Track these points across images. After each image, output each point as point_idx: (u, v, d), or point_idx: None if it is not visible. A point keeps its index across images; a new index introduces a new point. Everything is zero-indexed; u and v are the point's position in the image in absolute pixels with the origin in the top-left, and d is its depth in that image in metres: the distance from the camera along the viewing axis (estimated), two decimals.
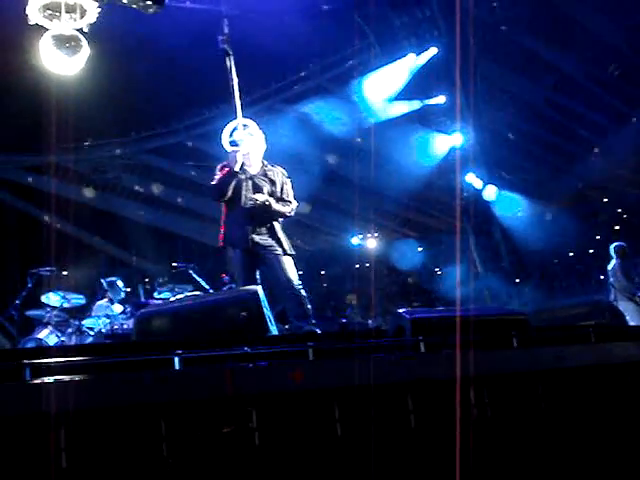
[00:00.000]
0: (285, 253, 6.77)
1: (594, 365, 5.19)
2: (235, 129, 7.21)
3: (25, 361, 3.71)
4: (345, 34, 14.30)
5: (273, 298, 6.95)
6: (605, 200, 19.24)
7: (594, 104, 16.14)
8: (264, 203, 6.74)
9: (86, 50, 9.46)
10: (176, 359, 4.02)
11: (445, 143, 16.61)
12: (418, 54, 15.28)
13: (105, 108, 14.19)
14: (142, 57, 13.65)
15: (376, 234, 20.45)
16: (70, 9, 8.98)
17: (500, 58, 15.53)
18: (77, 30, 9.28)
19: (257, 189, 6.84)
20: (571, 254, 19.15)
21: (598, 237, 17.33)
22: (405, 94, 16.18)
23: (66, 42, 9.24)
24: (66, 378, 3.59)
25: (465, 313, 5.08)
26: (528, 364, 4.95)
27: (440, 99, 15.93)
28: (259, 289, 5.63)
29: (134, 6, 10.10)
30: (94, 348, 5.58)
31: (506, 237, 17.60)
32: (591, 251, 17.79)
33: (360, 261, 19.13)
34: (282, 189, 7.00)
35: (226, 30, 7.99)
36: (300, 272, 6.99)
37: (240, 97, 7.45)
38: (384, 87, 15.92)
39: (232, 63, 7.57)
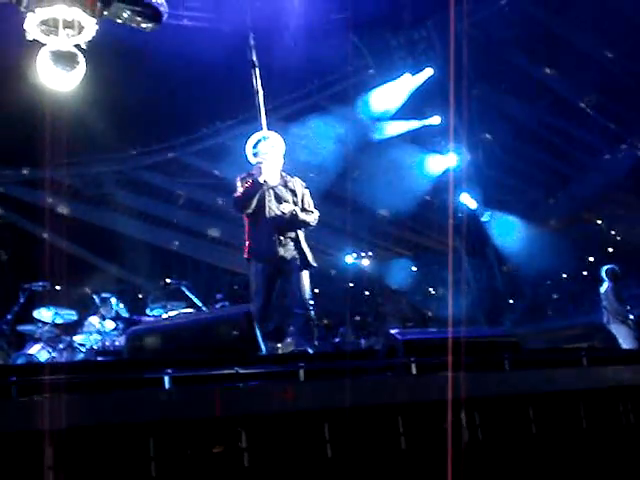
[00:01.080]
0: (306, 266, 6.76)
1: (586, 389, 5.18)
2: (259, 141, 7.18)
3: (13, 378, 3.68)
4: (342, 54, 14.35)
5: (283, 311, 6.96)
6: (599, 222, 19.29)
7: (588, 126, 16.22)
8: (291, 213, 6.74)
9: (83, 66, 9.48)
10: (166, 378, 4.00)
11: (440, 163, 16.66)
12: (414, 74, 15.35)
13: (101, 124, 14.21)
14: (139, 73, 13.67)
15: (370, 253, 20.45)
16: (68, 25, 9.00)
17: (495, 79, 15.61)
18: (75, 46, 9.31)
19: (280, 200, 6.82)
20: (564, 275, 19.17)
21: (591, 259, 17.36)
22: (401, 114, 16.24)
23: (63, 58, 9.26)
24: (54, 396, 3.57)
25: (457, 334, 5.07)
26: (519, 387, 4.94)
27: (435, 119, 16.00)
28: (251, 307, 5.63)
29: (132, 24, 10.15)
30: (83, 366, 5.56)
31: (500, 257, 17.63)
32: (584, 273, 17.81)
33: (354, 280, 19.11)
34: (303, 199, 7.00)
35: (252, 42, 8.00)
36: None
37: (265, 110, 7.44)
38: (380, 107, 15.99)
39: (258, 75, 7.57)
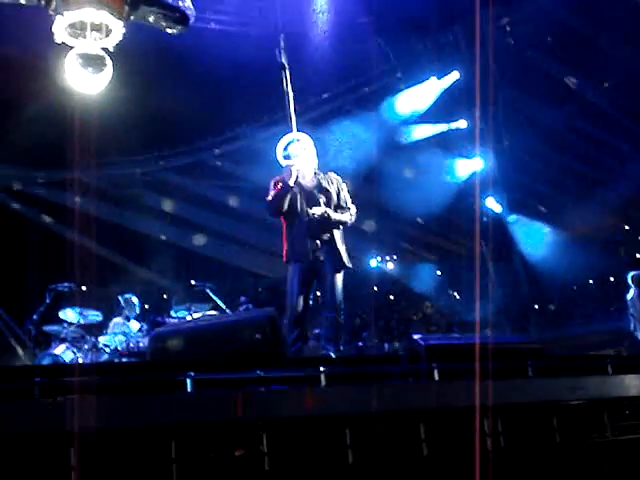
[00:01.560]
0: (341, 267, 6.74)
1: (611, 397, 5.13)
2: (290, 143, 7.17)
3: (37, 379, 3.72)
4: (368, 58, 14.33)
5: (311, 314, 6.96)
6: (627, 227, 19.09)
7: (616, 130, 16.06)
8: (322, 215, 6.72)
9: (110, 69, 9.55)
10: (188, 381, 4.02)
11: (466, 167, 16.58)
12: (440, 78, 15.30)
13: (128, 126, 14.29)
14: (166, 76, 13.75)
15: (395, 257, 20.42)
16: (96, 28, 9.08)
17: (522, 83, 15.51)
18: (102, 49, 9.39)
19: (313, 202, 6.80)
20: (590, 281, 18.98)
21: (619, 265, 17.18)
22: (427, 118, 16.19)
23: (91, 61, 9.34)
24: (77, 398, 3.59)
25: (480, 341, 5.04)
26: (543, 394, 4.90)
27: (462, 123, 15.92)
28: (274, 311, 5.62)
29: (159, 27, 10.22)
30: (106, 368, 5.59)
31: (525, 263, 17.50)
32: (611, 279, 17.63)
33: (378, 284, 19.07)
34: (339, 195, 6.98)
35: (282, 44, 8.01)
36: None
37: (295, 112, 7.44)
38: (406, 110, 15.95)
39: (288, 76, 7.57)
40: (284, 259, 6.88)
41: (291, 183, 6.78)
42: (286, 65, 7.57)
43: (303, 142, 7.11)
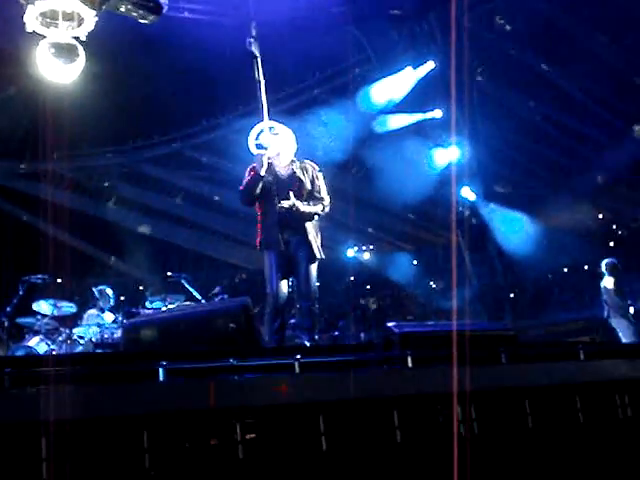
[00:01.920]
0: (313, 258, 6.73)
1: (583, 382, 5.17)
2: (261, 132, 7.13)
3: (7, 370, 3.68)
4: (343, 47, 14.32)
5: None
6: (600, 216, 19.25)
7: (591, 120, 16.17)
8: (291, 208, 6.69)
9: (83, 58, 9.46)
10: (160, 370, 4.00)
11: (442, 157, 16.61)
12: (415, 68, 15.32)
13: (102, 116, 14.18)
14: (140, 65, 13.66)
15: (371, 247, 20.44)
16: (68, 17, 8.98)
17: (498, 73, 15.57)
18: (74, 38, 9.28)
19: (285, 191, 6.75)
20: (565, 270, 19.13)
21: (593, 253, 17.33)
22: (403, 107, 16.21)
23: (63, 50, 9.24)
24: (48, 388, 3.57)
25: (454, 328, 5.06)
26: (516, 380, 4.93)
27: (437, 113, 15.95)
28: (249, 300, 5.61)
29: (132, 16, 10.12)
30: (79, 358, 5.55)
31: (501, 252, 17.58)
32: (586, 267, 17.77)
33: (355, 273, 19.09)
34: (313, 185, 6.95)
35: (254, 32, 7.95)
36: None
37: (267, 101, 7.39)
38: (382, 100, 15.95)
39: (259, 65, 7.52)
40: (257, 246, 6.87)
41: (262, 172, 6.74)
42: (257, 54, 7.52)
43: (277, 130, 7.08)
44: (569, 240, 17.29)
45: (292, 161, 6.97)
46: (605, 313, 10.93)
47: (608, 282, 10.87)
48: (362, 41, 14.89)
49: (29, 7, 9.00)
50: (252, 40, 7.75)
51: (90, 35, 9.57)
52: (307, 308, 6.63)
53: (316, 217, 6.86)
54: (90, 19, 9.17)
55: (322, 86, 16.00)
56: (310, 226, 6.77)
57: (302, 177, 6.86)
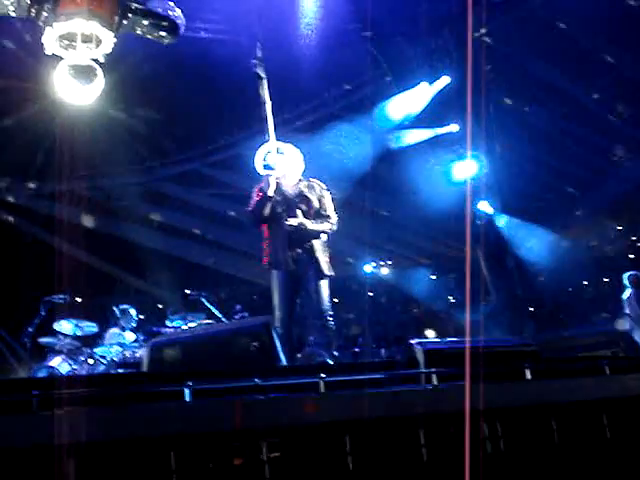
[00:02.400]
0: (322, 276, 6.75)
1: (608, 398, 5.13)
2: (269, 152, 7.20)
3: (34, 392, 3.70)
4: (358, 63, 14.37)
5: (302, 321, 6.96)
6: (619, 228, 19.14)
7: (609, 133, 16.12)
8: (298, 227, 6.73)
9: (101, 80, 9.56)
10: (186, 391, 4.01)
11: (458, 171, 16.60)
12: (431, 83, 15.34)
13: (119, 136, 14.29)
14: (158, 86, 13.75)
15: (389, 262, 20.40)
16: (86, 39, 9.08)
17: (513, 87, 15.57)
18: (93, 60, 9.38)
19: (292, 210, 6.81)
20: (585, 283, 19.02)
21: (612, 265, 17.22)
22: (419, 122, 16.22)
23: (81, 72, 9.34)
24: (74, 410, 3.58)
25: (476, 344, 5.04)
26: (541, 397, 4.91)
27: (453, 127, 15.96)
28: (271, 319, 5.63)
29: (150, 37, 10.22)
30: (104, 378, 5.58)
31: (520, 265, 17.51)
32: (606, 280, 17.67)
33: (373, 289, 19.06)
34: (320, 203, 6.98)
35: (259, 53, 8.02)
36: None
37: (272, 121, 7.44)
38: (398, 115, 15.98)
39: (265, 86, 7.58)
40: (266, 266, 6.91)
41: (270, 193, 6.81)
42: (262, 75, 7.59)
43: (284, 151, 7.15)
44: (588, 253, 17.22)
45: (299, 180, 7.03)
46: (627, 326, 10.87)
47: (630, 295, 10.82)
48: (377, 57, 14.93)
49: (47, 29, 9.10)
50: (257, 62, 7.82)
51: (109, 55, 9.69)
52: (320, 325, 6.64)
53: (323, 235, 6.90)
54: (108, 40, 9.27)
55: (338, 102, 16.04)
56: (318, 244, 6.83)
57: (309, 196, 6.93)
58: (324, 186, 7.09)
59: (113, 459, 3.61)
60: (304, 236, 6.76)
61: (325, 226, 6.91)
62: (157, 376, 4.78)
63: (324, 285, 6.75)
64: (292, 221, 6.74)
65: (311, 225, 6.79)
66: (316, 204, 6.93)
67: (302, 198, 6.91)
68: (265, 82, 7.51)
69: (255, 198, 6.90)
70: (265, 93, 7.46)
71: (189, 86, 13.83)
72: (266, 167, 7.06)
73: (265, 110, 7.35)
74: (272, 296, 6.87)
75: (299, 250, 6.73)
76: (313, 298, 6.68)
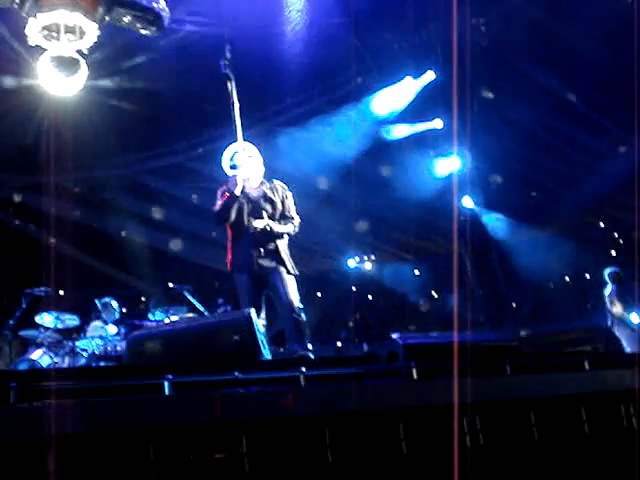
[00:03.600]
0: (288, 273, 6.79)
1: (588, 393, 5.16)
2: (235, 153, 7.24)
3: (12, 384, 3.68)
4: (343, 58, 14.35)
5: (274, 320, 6.98)
6: (601, 225, 19.26)
7: (591, 129, 16.19)
8: (265, 228, 6.78)
9: (85, 71, 9.51)
10: (166, 384, 4.01)
11: (442, 167, 16.65)
12: (415, 78, 15.34)
13: (104, 129, 14.22)
14: (142, 78, 13.70)
15: (373, 257, 20.46)
16: (70, 30, 9.02)
17: (497, 82, 15.60)
18: (76, 51, 9.33)
19: (257, 211, 6.87)
20: (567, 278, 19.14)
21: (594, 261, 17.35)
22: (403, 118, 16.23)
23: (65, 63, 9.29)
24: (52, 402, 3.57)
25: (457, 339, 5.06)
26: (521, 391, 4.93)
27: (438, 123, 15.98)
28: (252, 312, 5.61)
29: (134, 29, 10.17)
30: (84, 371, 5.56)
31: (503, 261, 17.60)
32: (587, 276, 17.79)
33: (357, 284, 19.10)
34: (283, 205, 7.03)
35: (228, 55, 8.03)
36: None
37: (240, 120, 7.48)
38: (383, 110, 15.98)
39: (234, 87, 7.60)
40: (228, 268, 6.95)
41: (237, 192, 6.85)
42: (231, 76, 7.61)
43: (249, 151, 7.19)
44: (571, 249, 17.30)
45: (261, 182, 7.07)
46: (608, 322, 10.93)
47: (611, 291, 10.88)
48: (362, 52, 14.91)
49: (31, 20, 9.04)
50: (226, 62, 7.83)
51: (92, 47, 9.63)
52: (292, 319, 6.66)
53: (286, 236, 6.96)
54: (92, 32, 9.22)
55: (323, 97, 16.02)
56: (282, 244, 6.89)
57: (273, 197, 6.97)
58: (286, 187, 7.16)
59: (91, 452, 3.59)
60: (269, 237, 6.82)
61: (289, 227, 6.99)
62: (136, 369, 4.77)
63: (291, 282, 6.80)
64: (258, 223, 6.80)
65: (276, 227, 6.86)
66: (279, 206, 7.00)
67: (266, 200, 6.98)
68: (234, 83, 7.55)
69: (221, 198, 6.93)
70: (234, 94, 7.50)
71: (175, 78, 13.78)
72: (233, 167, 7.11)
73: (233, 110, 7.39)
74: (238, 298, 6.91)
75: (263, 251, 6.78)
76: (281, 296, 6.72)
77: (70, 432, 3.52)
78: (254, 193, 7.01)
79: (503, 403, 4.78)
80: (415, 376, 4.70)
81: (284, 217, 7.00)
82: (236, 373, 4.26)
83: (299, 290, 6.89)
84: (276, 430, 4.07)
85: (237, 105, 7.48)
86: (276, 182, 7.15)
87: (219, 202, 6.96)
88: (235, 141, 7.33)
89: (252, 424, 4.01)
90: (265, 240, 6.82)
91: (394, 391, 4.60)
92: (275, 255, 6.82)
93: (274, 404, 4.15)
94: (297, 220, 7.07)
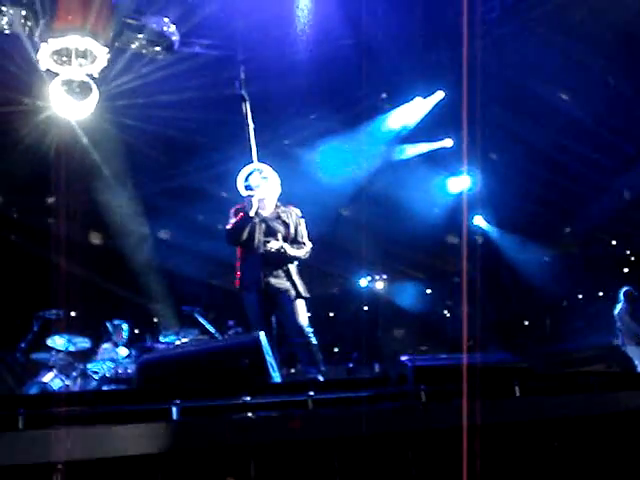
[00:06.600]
0: (299, 296, 6.78)
1: (599, 414, 5.12)
2: (251, 173, 7.26)
3: (20, 410, 3.69)
4: (353, 79, 14.40)
5: (284, 342, 6.98)
6: (614, 242, 19.18)
7: (602, 147, 16.17)
8: (279, 250, 6.78)
9: (96, 95, 9.61)
10: (174, 409, 4.01)
11: (453, 186, 16.67)
12: (425, 98, 15.39)
13: (113, 151, 14.29)
14: (152, 99, 13.77)
15: (384, 276, 20.40)
16: (81, 55, 9.13)
17: (507, 102, 15.61)
18: (87, 75, 9.44)
19: (271, 233, 6.88)
20: (580, 297, 19.04)
21: (607, 280, 17.27)
22: (414, 137, 16.27)
23: (76, 87, 9.40)
24: (60, 428, 3.58)
25: (467, 361, 5.05)
26: (531, 413, 4.90)
27: (448, 142, 16.02)
28: (261, 335, 5.61)
29: (144, 52, 10.27)
30: (93, 395, 5.56)
31: (515, 280, 17.54)
32: (600, 294, 17.69)
33: (368, 304, 19.05)
34: (296, 230, 7.04)
35: (242, 76, 8.09)
36: (309, 315, 7.01)
37: (255, 141, 7.52)
38: (392, 130, 16.02)
39: (248, 108, 7.65)
40: (236, 286, 6.96)
41: (252, 214, 6.87)
42: (246, 97, 7.66)
43: (265, 173, 7.21)
44: (583, 267, 17.24)
45: (276, 205, 7.09)
46: (620, 340, 10.90)
47: (622, 309, 10.85)
48: (372, 73, 14.97)
49: (43, 45, 9.16)
50: (240, 83, 7.89)
51: (102, 71, 9.74)
52: (303, 344, 6.65)
53: (296, 262, 6.97)
54: (103, 56, 9.33)
55: (333, 118, 16.07)
56: (293, 267, 6.89)
57: (287, 221, 6.99)
58: (300, 213, 7.18)
59: (99, 478, 3.60)
60: (280, 259, 6.83)
61: (301, 252, 7.01)
62: (145, 393, 4.77)
63: (301, 305, 6.80)
64: (274, 244, 6.81)
65: (290, 250, 6.86)
66: (292, 230, 7.01)
67: (280, 222, 6.99)
68: (248, 104, 7.59)
69: (234, 218, 6.95)
70: (248, 114, 7.54)
71: (185, 100, 13.83)
72: (248, 188, 7.13)
73: (248, 132, 7.43)
74: (248, 317, 6.92)
75: (274, 273, 6.79)
76: (290, 318, 6.72)
77: (78, 459, 3.52)
78: (268, 214, 7.03)
79: (513, 425, 4.75)
80: (424, 399, 4.68)
81: (296, 242, 7.01)
82: (244, 397, 4.26)
83: (311, 311, 6.89)
84: (284, 454, 4.06)
85: (252, 126, 7.52)
86: (290, 207, 7.17)
87: (232, 221, 6.98)
88: (250, 162, 7.36)
89: (261, 448, 4.00)
90: (276, 261, 6.83)
91: (403, 414, 4.58)
92: (285, 277, 6.82)
93: (282, 428, 4.14)
94: (309, 246, 7.08)
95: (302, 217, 7.17)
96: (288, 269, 6.87)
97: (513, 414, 4.85)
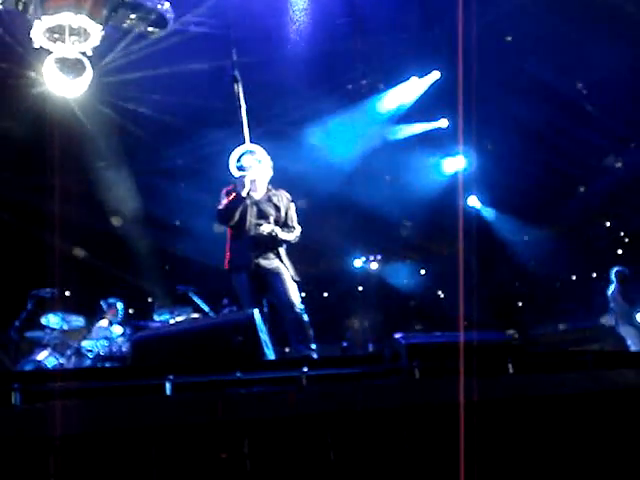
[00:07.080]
0: (291, 279, 6.81)
1: (592, 392, 5.15)
2: (243, 154, 7.27)
3: (15, 385, 3.70)
4: (348, 58, 14.35)
5: (276, 321, 6.99)
6: (608, 224, 19.21)
7: (596, 128, 16.15)
8: (270, 234, 6.79)
9: (89, 73, 9.55)
10: (167, 385, 4.01)
11: (448, 166, 16.66)
12: (421, 77, 15.34)
13: (108, 129, 14.24)
14: (146, 77, 13.70)
15: (379, 257, 20.41)
16: (74, 32, 9.07)
17: (503, 82, 15.57)
18: (81, 53, 9.38)
19: (262, 215, 6.90)
20: (573, 277, 19.09)
21: (600, 261, 17.32)
22: (409, 117, 16.23)
23: (70, 65, 9.34)
24: (55, 403, 3.58)
25: (460, 338, 5.06)
26: (523, 390, 4.92)
27: (443, 122, 15.99)
28: (255, 312, 5.62)
29: (137, 29, 10.20)
30: (87, 372, 5.57)
31: (508, 260, 17.58)
32: (594, 275, 17.74)
33: (363, 284, 19.07)
34: (287, 214, 7.05)
35: (235, 57, 8.08)
36: (303, 295, 7.03)
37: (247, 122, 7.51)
38: (388, 110, 15.98)
39: (240, 89, 7.64)
40: (226, 266, 6.96)
41: (244, 194, 6.87)
42: (238, 78, 7.65)
43: (257, 155, 7.20)
44: (577, 248, 17.27)
45: (267, 188, 7.10)
46: (613, 321, 10.94)
47: (615, 290, 10.88)
48: (367, 52, 14.90)
49: (36, 22, 9.09)
50: (233, 64, 7.87)
51: (96, 49, 9.67)
52: (295, 320, 6.67)
53: (285, 245, 6.99)
54: (96, 34, 9.26)
55: (328, 97, 16.02)
56: (282, 250, 6.90)
57: (278, 204, 7.00)
58: (290, 197, 7.18)
59: (93, 452, 3.61)
60: (270, 242, 6.84)
61: (291, 236, 7.05)
62: (139, 370, 4.78)
63: (291, 283, 6.81)
64: (265, 227, 6.83)
65: (281, 233, 6.88)
66: (283, 214, 7.02)
67: (271, 204, 7.01)
68: (241, 85, 7.58)
69: (226, 198, 6.95)
70: (241, 95, 7.53)
71: (180, 79, 13.76)
72: (240, 168, 7.13)
73: (240, 113, 7.42)
74: (239, 298, 6.94)
75: (265, 255, 6.80)
76: (282, 296, 6.74)
77: (73, 433, 3.53)
78: (260, 196, 7.03)
79: (505, 402, 4.77)
80: (417, 375, 4.70)
81: (287, 226, 7.02)
82: (237, 373, 4.27)
83: (306, 290, 6.92)
84: (278, 430, 4.07)
85: (244, 107, 7.51)
86: (282, 191, 7.18)
87: (224, 201, 6.98)
88: (243, 143, 7.35)
89: (254, 424, 4.01)
90: (266, 244, 6.85)
91: (396, 390, 4.60)
92: (275, 259, 6.84)
93: (275, 404, 4.16)
94: (298, 230, 7.11)
95: (292, 201, 7.19)
96: (278, 252, 6.89)
97: (506, 391, 4.87)
